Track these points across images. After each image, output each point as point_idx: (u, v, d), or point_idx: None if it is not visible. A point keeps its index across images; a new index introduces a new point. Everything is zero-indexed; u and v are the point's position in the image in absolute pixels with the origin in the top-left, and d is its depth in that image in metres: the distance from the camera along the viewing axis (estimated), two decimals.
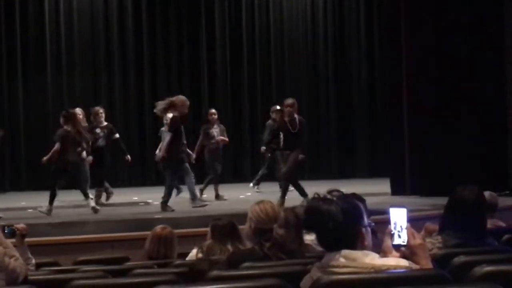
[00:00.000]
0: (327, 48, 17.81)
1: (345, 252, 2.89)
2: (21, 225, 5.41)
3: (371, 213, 3.08)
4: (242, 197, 12.55)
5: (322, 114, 17.64)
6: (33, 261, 5.44)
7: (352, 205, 2.98)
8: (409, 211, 3.03)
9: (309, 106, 17.21)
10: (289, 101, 10.90)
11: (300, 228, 4.47)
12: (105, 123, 11.93)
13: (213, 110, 12.84)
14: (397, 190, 11.98)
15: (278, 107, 12.82)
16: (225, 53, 17.15)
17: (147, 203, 12.05)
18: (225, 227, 5.30)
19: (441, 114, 11.51)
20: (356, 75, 17.85)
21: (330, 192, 3.04)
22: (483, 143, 11.39)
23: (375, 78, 17.64)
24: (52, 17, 16.04)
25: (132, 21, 16.56)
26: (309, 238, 4.73)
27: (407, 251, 2.99)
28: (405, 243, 2.99)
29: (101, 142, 11.73)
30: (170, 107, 10.61)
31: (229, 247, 5.12)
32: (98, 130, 11.71)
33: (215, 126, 12.62)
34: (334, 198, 2.97)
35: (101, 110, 11.98)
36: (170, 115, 10.55)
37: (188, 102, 10.84)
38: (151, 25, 16.69)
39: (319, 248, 4.65)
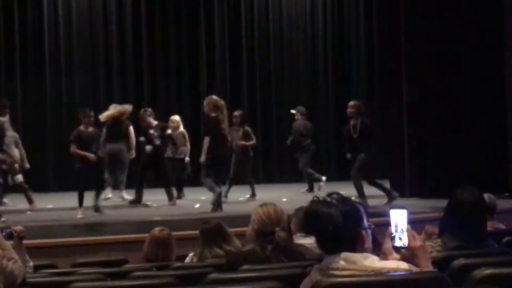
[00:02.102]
0: (326, 49, 17.81)
1: (345, 254, 2.88)
2: (19, 227, 5.40)
3: (370, 215, 3.07)
4: (242, 199, 12.54)
5: (321, 115, 17.62)
6: (31, 263, 5.43)
7: (352, 207, 2.97)
8: (408, 214, 3.02)
9: (307, 107, 17.19)
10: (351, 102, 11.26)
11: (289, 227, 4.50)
12: (155, 122, 12.22)
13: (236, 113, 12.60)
14: (396, 192, 11.96)
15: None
16: (224, 52, 17.14)
17: (145, 205, 12.02)
18: (212, 230, 5.27)
19: (441, 117, 11.51)
20: (355, 76, 17.85)
21: (329, 195, 3.03)
22: (483, 145, 11.39)
23: (375, 80, 17.63)
24: (50, 16, 16.02)
25: (131, 21, 16.56)
26: (309, 241, 4.74)
27: (407, 253, 2.98)
28: (405, 245, 2.98)
29: (156, 141, 11.99)
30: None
31: (218, 250, 5.10)
32: (151, 131, 11.97)
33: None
34: (334, 201, 2.96)
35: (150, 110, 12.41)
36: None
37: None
38: (150, 24, 16.68)
39: (317, 251, 4.66)
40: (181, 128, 12.96)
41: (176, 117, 13.06)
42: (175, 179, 12.90)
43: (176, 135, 12.74)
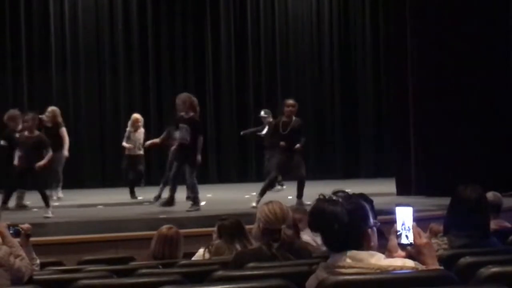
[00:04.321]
0: (332, 47, 17.81)
1: (351, 252, 2.88)
2: (26, 225, 5.40)
3: (376, 213, 3.08)
4: (247, 196, 12.55)
5: (327, 113, 17.63)
6: (38, 261, 5.43)
7: (357, 206, 2.97)
8: (414, 212, 3.02)
9: (314, 105, 17.22)
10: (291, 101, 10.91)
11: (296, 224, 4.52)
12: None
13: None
14: (402, 190, 11.97)
15: None
16: (230, 50, 17.14)
17: (151, 203, 12.05)
18: (232, 226, 5.30)
19: (447, 114, 11.48)
20: (361, 74, 17.84)
21: (335, 193, 3.03)
22: (489, 143, 11.37)
23: (381, 78, 17.62)
24: (56, 13, 16.06)
25: (137, 18, 16.58)
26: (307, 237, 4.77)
27: (413, 251, 2.98)
28: (411, 243, 2.98)
29: None
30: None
31: (237, 245, 5.13)
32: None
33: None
34: (340, 199, 2.96)
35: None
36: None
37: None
38: (156, 21, 16.70)
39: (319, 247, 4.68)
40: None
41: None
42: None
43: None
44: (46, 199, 10.10)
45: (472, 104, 11.45)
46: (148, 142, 12.34)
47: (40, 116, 11.27)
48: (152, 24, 16.64)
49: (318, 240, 4.89)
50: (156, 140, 12.17)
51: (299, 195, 10.62)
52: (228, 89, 17.06)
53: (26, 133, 10.32)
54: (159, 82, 16.72)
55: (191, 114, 10.51)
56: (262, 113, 14.02)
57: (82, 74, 16.20)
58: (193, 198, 10.53)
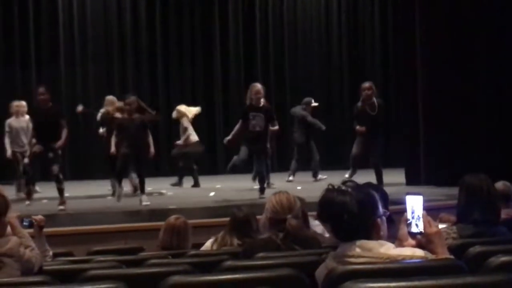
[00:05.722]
0: (340, 40, 17.78)
1: (360, 242, 2.88)
2: (39, 217, 5.41)
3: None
4: (256, 187, 12.53)
5: (336, 104, 17.59)
6: (51, 252, 5.44)
7: (367, 195, 2.97)
8: (424, 201, 3.01)
9: (322, 97, 17.16)
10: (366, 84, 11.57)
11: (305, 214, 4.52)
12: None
13: None
14: (411, 180, 11.95)
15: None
16: (238, 44, 17.11)
17: (161, 193, 12.09)
18: (237, 219, 5.26)
19: (457, 104, 11.44)
20: (370, 66, 17.78)
21: (344, 183, 3.03)
22: (498, 132, 11.33)
23: (390, 69, 17.57)
24: (65, 7, 16.06)
25: (145, 11, 16.56)
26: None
27: (423, 239, 2.98)
28: (421, 231, 2.97)
29: None
30: None
31: (236, 240, 5.10)
32: None
33: None
34: (349, 189, 2.96)
35: None
36: None
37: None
38: (164, 14, 16.69)
39: (326, 235, 4.67)
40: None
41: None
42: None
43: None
44: (143, 185, 10.31)
45: (483, 94, 11.41)
46: None
47: None
48: (160, 17, 16.62)
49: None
50: None
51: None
52: (236, 81, 17.03)
53: (126, 115, 10.38)
54: (167, 74, 16.70)
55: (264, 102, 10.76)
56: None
57: (90, 67, 16.20)
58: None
